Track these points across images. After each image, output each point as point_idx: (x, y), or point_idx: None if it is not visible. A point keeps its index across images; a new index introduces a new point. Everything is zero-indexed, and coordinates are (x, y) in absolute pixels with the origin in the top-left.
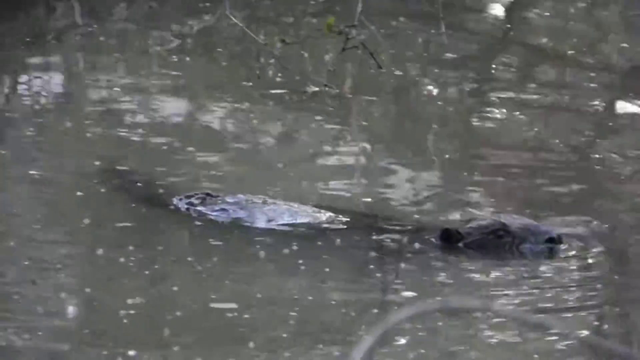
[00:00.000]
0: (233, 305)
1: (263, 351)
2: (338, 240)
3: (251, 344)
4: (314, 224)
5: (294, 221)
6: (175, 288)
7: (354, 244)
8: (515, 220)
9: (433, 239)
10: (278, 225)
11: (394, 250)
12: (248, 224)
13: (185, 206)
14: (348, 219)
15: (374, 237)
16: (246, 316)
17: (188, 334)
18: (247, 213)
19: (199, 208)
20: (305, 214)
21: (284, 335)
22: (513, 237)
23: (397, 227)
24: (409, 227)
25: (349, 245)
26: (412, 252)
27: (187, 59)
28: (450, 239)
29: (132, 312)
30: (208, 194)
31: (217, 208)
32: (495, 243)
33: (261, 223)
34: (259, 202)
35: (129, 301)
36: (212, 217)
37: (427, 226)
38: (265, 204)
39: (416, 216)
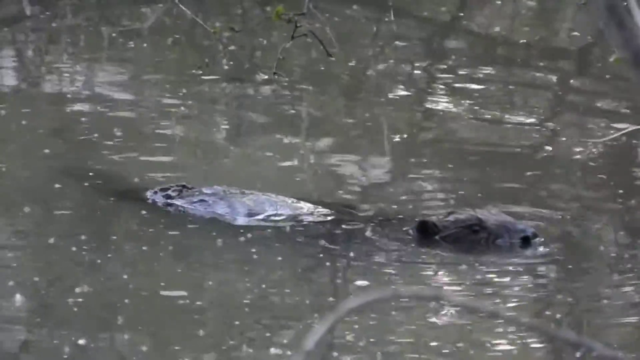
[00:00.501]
0: (183, 293)
1: (213, 339)
2: (299, 231)
3: (201, 332)
4: (295, 216)
5: (275, 212)
6: (125, 276)
7: (317, 235)
8: (492, 216)
9: (410, 231)
10: (259, 219)
11: (369, 241)
12: (229, 217)
13: (163, 200)
14: (328, 210)
15: (347, 228)
16: (197, 304)
17: (138, 322)
18: (227, 204)
19: (177, 201)
20: (284, 205)
21: (236, 322)
22: (488, 232)
23: (376, 219)
24: (388, 219)
25: (311, 236)
26: (388, 243)
27: (137, 47)
28: (426, 231)
29: (80, 300)
30: (184, 186)
31: (195, 200)
32: (471, 237)
33: (242, 216)
34: (237, 193)
35: (77, 290)
36: (192, 210)
37: (404, 218)
38: (244, 194)
39: (394, 206)
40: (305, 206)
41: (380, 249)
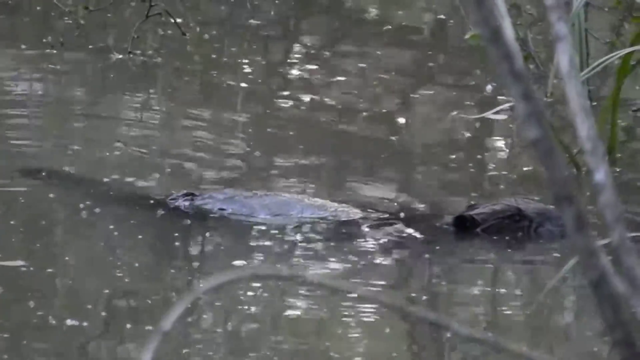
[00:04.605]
0: (22, 263)
1: (47, 309)
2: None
3: (31, 303)
4: (318, 215)
5: (297, 212)
6: None
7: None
8: (529, 205)
9: (445, 226)
10: (281, 219)
11: (406, 239)
12: (248, 220)
13: (181, 207)
14: (360, 211)
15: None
16: (43, 275)
17: None
18: (247, 208)
19: (193, 208)
20: (307, 205)
21: (89, 287)
22: (530, 221)
23: (404, 215)
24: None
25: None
26: (427, 240)
27: None
28: (463, 225)
29: None
30: (192, 194)
31: (212, 207)
32: (513, 227)
33: (263, 217)
34: (251, 195)
35: None
36: (214, 216)
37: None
38: (260, 196)
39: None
40: (331, 205)
41: (418, 246)
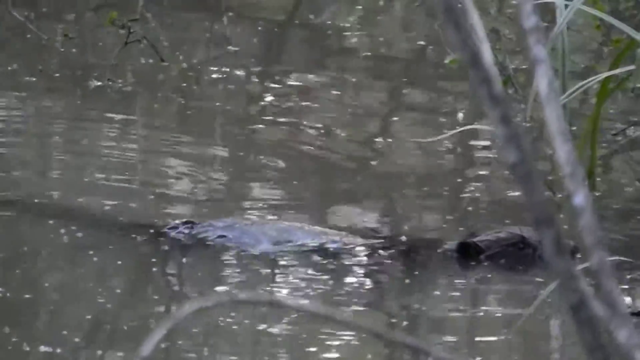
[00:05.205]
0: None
1: (22, 336)
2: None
3: (7, 329)
4: (318, 243)
5: (299, 240)
6: None
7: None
8: (532, 233)
9: (449, 253)
10: (283, 247)
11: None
12: (251, 249)
13: (178, 236)
14: (361, 238)
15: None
16: (20, 302)
17: None
18: (247, 236)
19: (194, 237)
20: (307, 232)
21: (66, 313)
22: (534, 249)
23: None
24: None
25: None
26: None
27: None
28: (467, 252)
29: None
30: (191, 222)
31: (212, 235)
32: (517, 254)
33: (266, 245)
34: (250, 223)
35: None
36: (214, 244)
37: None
38: (258, 224)
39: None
40: (331, 233)
41: (421, 273)
